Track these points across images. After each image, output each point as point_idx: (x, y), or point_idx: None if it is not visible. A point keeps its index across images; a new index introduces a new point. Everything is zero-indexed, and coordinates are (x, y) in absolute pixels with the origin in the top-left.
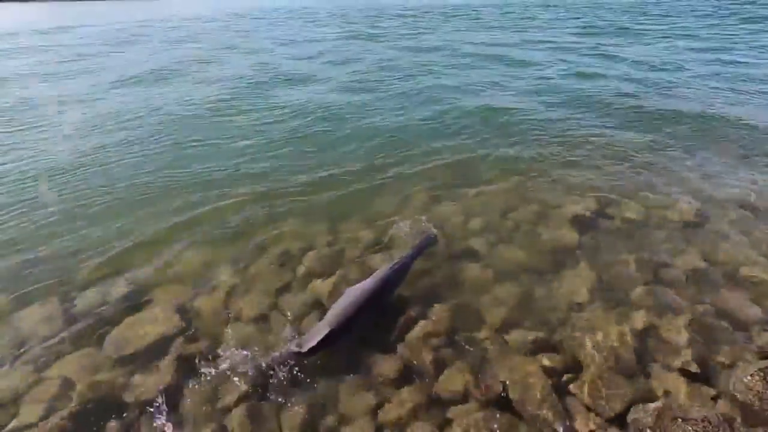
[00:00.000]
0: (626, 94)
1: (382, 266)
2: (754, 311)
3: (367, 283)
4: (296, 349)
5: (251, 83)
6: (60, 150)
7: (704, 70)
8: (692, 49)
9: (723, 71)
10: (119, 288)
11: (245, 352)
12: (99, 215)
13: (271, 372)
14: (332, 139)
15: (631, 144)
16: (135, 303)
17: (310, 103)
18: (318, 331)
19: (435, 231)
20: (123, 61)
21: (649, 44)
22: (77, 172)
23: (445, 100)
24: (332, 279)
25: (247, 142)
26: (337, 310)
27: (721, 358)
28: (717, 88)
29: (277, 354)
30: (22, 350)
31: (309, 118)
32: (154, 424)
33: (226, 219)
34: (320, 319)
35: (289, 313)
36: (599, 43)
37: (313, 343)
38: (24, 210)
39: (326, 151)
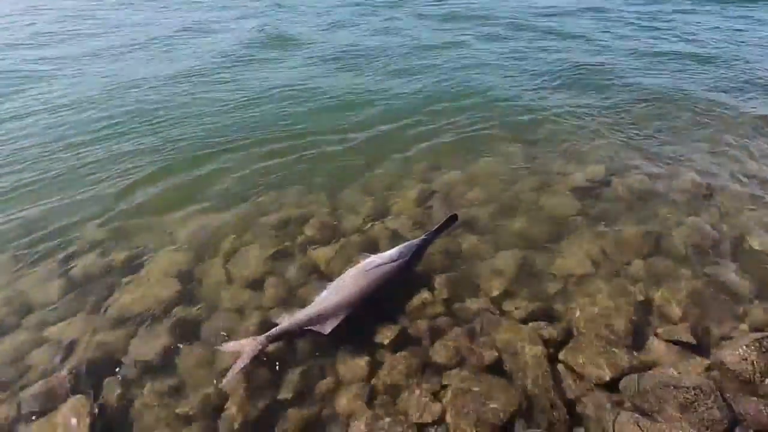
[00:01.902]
0: (635, 68)
1: (404, 242)
2: (752, 284)
3: (389, 260)
4: (317, 330)
5: (248, 47)
6: (59, 117)
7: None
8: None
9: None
10: (119, 252)
11: (242, 317)
12: (99, 180)
13: (269, 336)
14: (333, 107)
15: (638, 114)
16: (135, 267)
17: (309, 71)
18: (336, 313)
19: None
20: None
21: (666, 21)
22: (76, 138)
23: (449, 69)
24: (332, 247)
25: (248, 108)
26: (355, 288)
27: (716, 330)
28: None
29: (282, 326)
30: (23, 311)
31: (309, 86)
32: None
33: (226, 186)
34: (325, 286)
35: (287, 281)
36: (615, 6)
37: (334, 325)
38: (25, 174)
39: (327, 118)
